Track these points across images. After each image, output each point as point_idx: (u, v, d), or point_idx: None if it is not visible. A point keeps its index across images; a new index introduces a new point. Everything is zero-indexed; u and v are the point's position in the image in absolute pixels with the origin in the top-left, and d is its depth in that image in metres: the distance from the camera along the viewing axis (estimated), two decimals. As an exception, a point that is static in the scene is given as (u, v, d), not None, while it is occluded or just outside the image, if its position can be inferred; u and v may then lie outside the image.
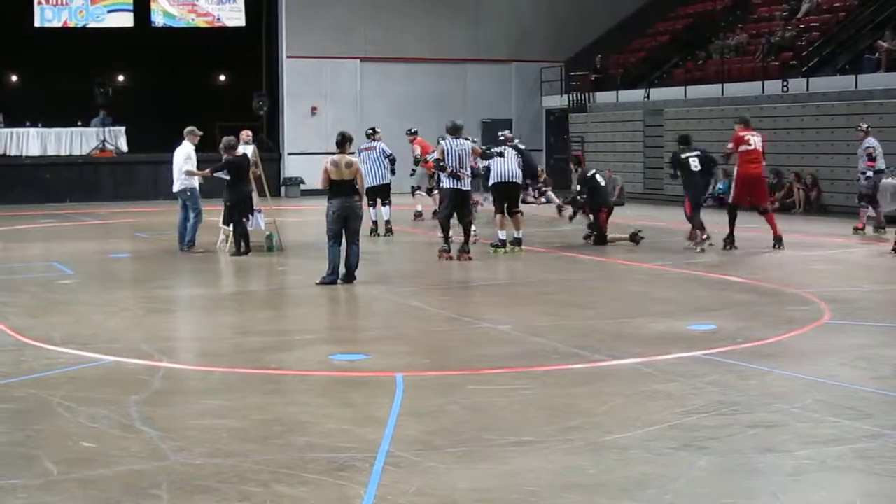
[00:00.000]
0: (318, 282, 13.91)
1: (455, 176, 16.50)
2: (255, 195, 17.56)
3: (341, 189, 13.94)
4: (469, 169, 16.82)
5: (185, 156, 17.67)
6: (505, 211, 17.57)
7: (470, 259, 16.30)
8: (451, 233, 16.84)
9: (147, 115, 33.34)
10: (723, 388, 8.39)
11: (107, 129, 31.90)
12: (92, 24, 32.55)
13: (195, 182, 17.67)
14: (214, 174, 17.45)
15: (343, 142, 14.33)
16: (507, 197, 17.63)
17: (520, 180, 18.08)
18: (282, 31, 33.76)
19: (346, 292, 13.67)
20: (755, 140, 17.77)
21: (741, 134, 17.66)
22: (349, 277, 14.01)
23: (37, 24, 32.03)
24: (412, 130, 22.97)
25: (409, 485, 6.15)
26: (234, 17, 33.59)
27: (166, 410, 7.88)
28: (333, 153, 14.38)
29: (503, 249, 17.43)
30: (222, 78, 39.45)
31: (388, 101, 33.28)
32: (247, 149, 17.89)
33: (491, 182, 17.89)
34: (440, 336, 10.96)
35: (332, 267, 13.92)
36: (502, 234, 17.55)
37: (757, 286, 13.83)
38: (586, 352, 9.80)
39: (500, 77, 35.39)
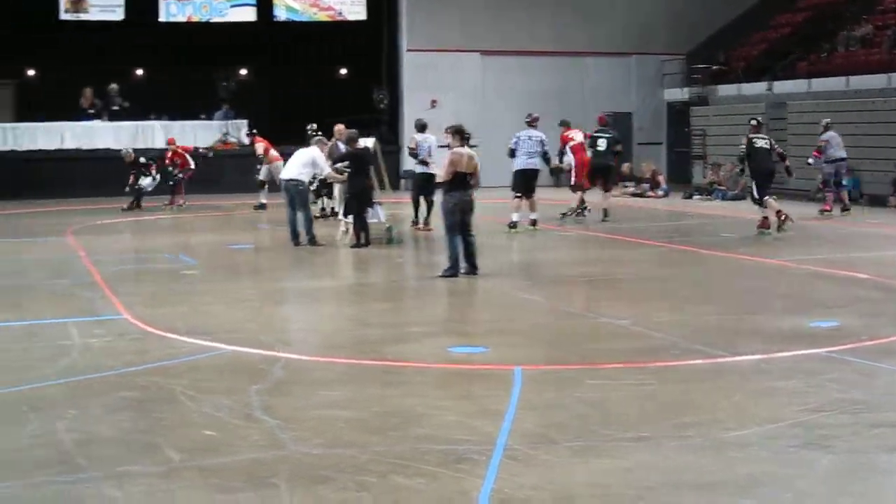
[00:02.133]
0: (439, 274, 13.93)
1: (423, 162, 19.72)
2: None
3: (462, 182, 13.96)
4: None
5: (311, 157, 17.83)
6: (524, 195, 19.85)
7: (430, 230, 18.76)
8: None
9: (268, 108, 33.76)
10: (846, 386, 8.22)
11: (229, 122, 32.39)
12: (216, 19, 33.03)
13: (306, 178, 17.82)
14: (335, 166, 17.62)
15: (464, 135, 14.32)
16: (526, 182, 19.84)
17: (538, 167, 20.19)
18: (402, 25, 33.87)
19: (465, 285, 13.66)
20: None
21: None
22: (473, 269, 14.01)
23: (161, 18, 32.62)
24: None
25: (526, 478, 6.13)
26: (356, 11, 33.79)
27: (286, 400, 7.96)
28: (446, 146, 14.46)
29: (514, 230, 19.40)
30: (343, 71, 39.73)
31: (508, 95, 33.16)
32: (367, 142, 18.01)
33: (514, 168, 19.99)
34: (559, 330, 10.91)
35: (452, 260, 13.92)
36: (515, 217, 19.59)
37: (882, 283, 13.52)
38: (706, 347, 9.67)
39: (621, 70, 35.05)
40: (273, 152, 24.53)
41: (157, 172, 25.22)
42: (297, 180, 17.72)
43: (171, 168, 25.56)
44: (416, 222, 19.99)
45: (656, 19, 34.72)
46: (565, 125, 22.25)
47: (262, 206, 24.49)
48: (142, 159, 25.20)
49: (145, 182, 24.91)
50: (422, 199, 20.07)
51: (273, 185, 23.88)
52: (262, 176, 24.71)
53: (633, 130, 33.96)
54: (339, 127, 19.06)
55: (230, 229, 21.10)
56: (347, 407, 7.72)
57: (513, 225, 19.60)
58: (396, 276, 15.50)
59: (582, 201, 21.89)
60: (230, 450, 6.70)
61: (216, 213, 24.47)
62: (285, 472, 6.23)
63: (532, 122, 20.57)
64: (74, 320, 11.20)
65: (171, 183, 25.49)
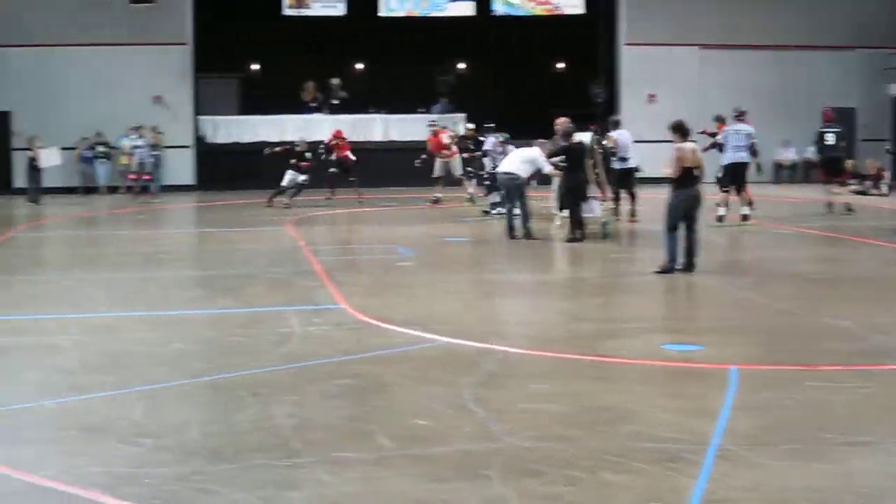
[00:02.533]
0: (656, 270, 13.79)
1: (622, 158, 20.22)
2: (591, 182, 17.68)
3: (690, 177, 13.80)
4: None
5: (532, 155, 17.94)
6: (734, 189, 20.10)
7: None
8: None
9: (486, 102, 33.98)
10: None
11: (447, 115, 32.75)
12: (434, 14, 33.41)
13: (524, 174, 17.87)
14: (550, 160, 17.65)
15: (685, 130, 14.14)
16: (735, 176, 20.11)
17: (747, 161, 20.31)
18: (620, 19, 33.64)
19: (680, 281, 13.48)
20: None
21: None
22: (690, 266, 13.83)
23: (382, 13, 33.18)
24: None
25: (740, 479, 6.01)
26: (573, 4, 33.69)
27: (498, 393, 7.99)
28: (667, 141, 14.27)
29: (721, 224, 19.53)
30: (560, 66, 39.68)
31: (727, 90, 32.49)
32: (583, 136, 17.99)
33: (723, 162, 20.37)
34: (777, 329, 10.64)
35: (672, 255, 13.76)
36: (721, 211, 19.80)
37: None
38: (933, 351, 9.31)
39: (843, 64, 33.93)
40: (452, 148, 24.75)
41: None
42: (514, 174, 17.83)
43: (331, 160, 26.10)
44: (617, 217, 20.21)
45: (880, 12, 33.56)
46: (721, 121, 22.19)
47: (436, 201, 24.90)
48: (307, 154, 25.43)
49: (302, 177, 25.04)
50: (623, 193, 20.61)
51: (447, 179, 24.38)
52: (436, 172, 24.95)
53: (856, 127, 32.90)
54: (561, 120, 19.05)
55: (444, 222, 21.29)
56: (559, 401, 7.71)
57: (720, 219, 19.61)
58: (611, 271, 15.38)
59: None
60: (442, 440, 6.77)
61: (427, 206, 24.70)
62: (496, 464, 6.26)
63: (740, 116, 20.64)
64: (294, 308, 11.50)
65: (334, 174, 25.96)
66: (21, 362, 9.15)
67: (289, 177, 24.79)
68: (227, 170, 31.52)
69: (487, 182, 22.46)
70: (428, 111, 33.35)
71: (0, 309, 12.00)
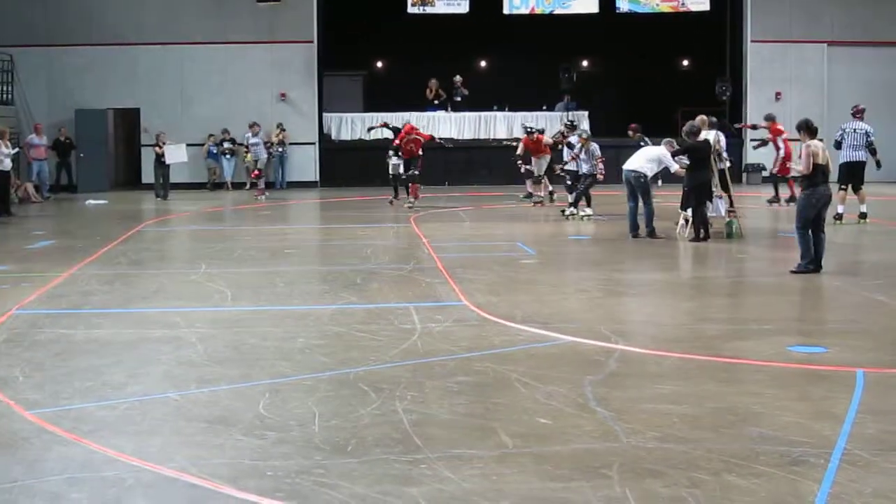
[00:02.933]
0: (793, 270, 13.62)
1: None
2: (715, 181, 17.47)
3: (822, 176, 13.63)
4: None
5: (658, 154, 17.84)
6: (851, 188, 20.09)
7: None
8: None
9: (609, 99, 33.81)
10: None
11: (570, 113, 32.67)
12: (558, 11, 33.34)
13: (649, 172, 17.74)
14: (674, 158, 17.51)
15: (812, 128, 13.96)
16: (852, 175, 20.15)
17: (864, 159, 20.32)
18: (746, 15, 33.21)
19: (807, 282, 13.23)
20: None
21: None
22: (817, 266, 13.63)
23: (506, 11, 33.22)
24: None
25: (866, 485, 5.87)
26: (699, 1, 33.37)
27: (620, 392, 7.93)
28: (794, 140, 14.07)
29: (840, 223, 19.44)
30: (685, 63, 39.28)
31: (857, 87, 31.91)
32: (708, 134, 17.79)
33: (840, 160, 20.13)
34: (907, 332, 10.41)
35: (807, 255, 13.59)
36: (840, 209, 19.66)
37: None
38: None
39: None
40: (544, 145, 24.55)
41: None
42: (639, 172, 17.73)
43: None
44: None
45: None
46: (771, 119, 21.94)
47: (529, 197, 24.90)
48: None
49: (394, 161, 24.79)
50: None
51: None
52: (537, 171, 24.76)
53: None
54: (702, 118, 18.85)
55: (570, 220, 21.19)
56: (682, 402, 7.62)
57: (838, 217, 19.41)
58: (736, 271, 15.18)
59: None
60: (563, 438, 6.74)
61: (556, 203, 24.63)
62: (617, 464, 6.21)
63: (858, 114, 20.44)
64: (416, 305, 11.56)
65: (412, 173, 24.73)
66: (149, 355, 9.33)
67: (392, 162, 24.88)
68: (351, 166, 31.84)
69: (570, 182, 22.07)
70: (551, 109, 33.28)
71: (128, 302, 12.26)
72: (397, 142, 24.64)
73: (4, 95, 31.69)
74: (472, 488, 5.87)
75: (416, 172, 24.57)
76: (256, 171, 28.65)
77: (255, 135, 29.34)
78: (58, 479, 6.10)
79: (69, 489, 5.95)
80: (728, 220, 17.75)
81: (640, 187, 17.70)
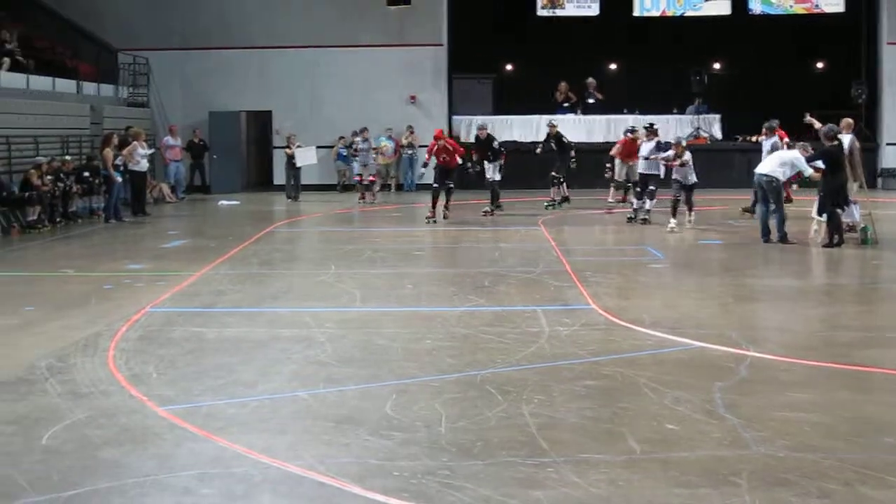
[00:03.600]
0: None
1: None
2: (851, 186, 17.12)
3: None
4: None
5: (791, 158, 17.57)
6: None
7: None
8: None
9: (741, 102, 33.33)
10: None
11: (701, 116, 32.30)
12: (689, 13, 33.01)
13: (781, 176, 17.43)
14: (809, 164, 17.20)
15: None
16: None
17: None
18: (882, 17, 32.45)
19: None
20: None
21: None
22: None
23: (636, 13, 32.99)
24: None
25: None
26: (833, 3, 32.72)
27: (750, 399, 7.81)
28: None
29: None
30: (819, 65, 38.57)
31: None
32: (844, 138, 17.44)
33: None
34: None
35: None
36: None
37: None
38: None
39: None
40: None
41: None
42: (770, 176, 17.44)
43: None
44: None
45: None
46: (771, 130, 21.30)
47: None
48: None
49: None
50: None
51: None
52: (621, 176, 24.36)
53: None
54: (847, 121, 18.48)
55: (698, 225, 20.93)
56: (814, 410, 7.48)
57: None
58: (871, 278, 14.86)
59: None
60: (691, 445, 6.66)
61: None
62: (746, 472, 6.12)
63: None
64: (544, 308, 11.53)
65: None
66: (279, 354, 9.46)
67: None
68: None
69: (640, 189, 21.47)
70: (682, 112, 32.95)
71: (259, 302, 12.44)
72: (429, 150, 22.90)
73: (140, 98, 32.41)
74: (599, 493, 5.83)
75: (451, 185, 22.55)
76: (359, 176, 28.27)
77: (364, 140, 29.40)
78: (188, 475, 6.21)
79: (199, 484, 6.05)
80: (863, 225, 17.36)
81: (772, 192, 17.41)
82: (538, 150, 25.61)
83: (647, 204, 21.03)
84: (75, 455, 6.58)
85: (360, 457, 6.47)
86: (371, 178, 27.78)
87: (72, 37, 30.67)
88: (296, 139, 29.22)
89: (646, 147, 21.74)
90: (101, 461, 6.46)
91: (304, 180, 29.25)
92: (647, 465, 6.30)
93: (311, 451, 6.59)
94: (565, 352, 9.42)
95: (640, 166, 21.81)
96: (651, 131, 22.27)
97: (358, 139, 28.23)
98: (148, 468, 6.32)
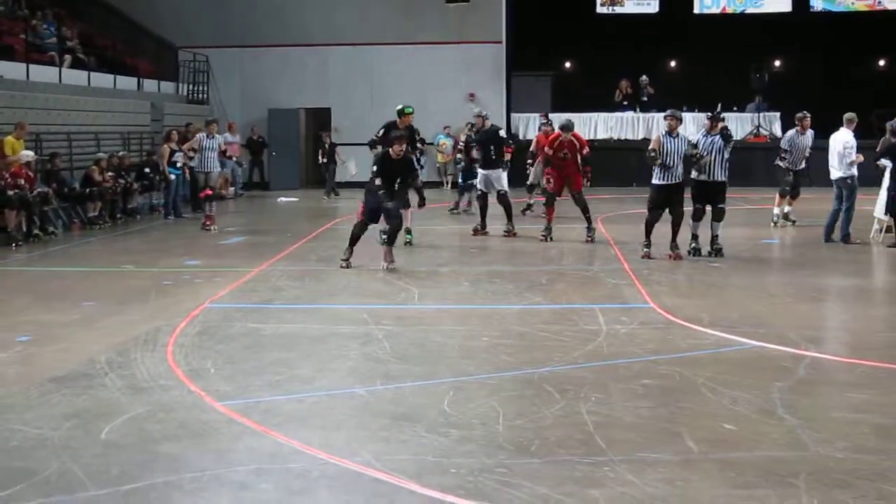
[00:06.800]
0: None
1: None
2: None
3: None
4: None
5: (843, 143, 17.23)
6: None
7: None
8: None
9: (802, 100, 33.03)
10: None
11: (761, 114, 32.06)
12: (750, 10, 32.80)
13: (855, 170, 17.16)
14: (877, 162, 16.95)
15: None
16: None
17: None
18: (948, 13, 32.09)
19: None
20: None
21: None
22: None
23: (696, 10, 32.83)
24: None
25: None
26: (896, 0, 32.42)
27: (809, 400, 7.75)
28: None
29: None
30: (881, 63, 38.15)
31: None
32: (903, 136, 17.23)
33: None
34: None
35: None
36: None
37: None
38: None
39: None
40: None
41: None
42: (846, 174, 17.15)
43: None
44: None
45: None
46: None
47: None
48: None
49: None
50: None
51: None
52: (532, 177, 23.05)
53: None
54: None
55: (760, 223, 20.77)
56: (874, 411, 7.40)
57: None
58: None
59: None
60: (749, 445, 6.62)
61: (747, 206, 24.20)
62: (804, 473, 6.07)
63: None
64: (602, 306, 11.50)
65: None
66: (337, 350, 9.49)
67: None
68: (541, 166, 31.81)
69: None
70: (742, 110, 32.73)
71: (317, 298, 12.50)
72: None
73: (200, 95, 32.66)
74: (656, 493, 5.81)
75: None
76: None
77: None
78: (246, 469, 6.25)
79: (257, 479, 6.09)
80: (927, 225, 17.14)
81: (846, 188, 17.13)
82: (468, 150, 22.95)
83: None
84: (134, 449, 6.64)
85: (416, 454, 6.48)
86: None
87: (132, 35, 30.96)
88: (341, 153, 29.14)
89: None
90: (159, 455, 6.51)
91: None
92: (704, 465, 6.26)
93: (367, 447, 6.61)
94: (623, 350, 9.39)
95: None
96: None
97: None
98: (206, 463, 6.37)
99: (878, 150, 17.38)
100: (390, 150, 14.88)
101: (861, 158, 17.02)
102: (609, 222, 20.78)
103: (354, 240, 15.06)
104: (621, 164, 29.80)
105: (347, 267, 14.72)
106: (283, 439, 6.77)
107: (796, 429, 6.96)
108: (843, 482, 5.94)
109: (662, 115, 16.71)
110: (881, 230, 17.21)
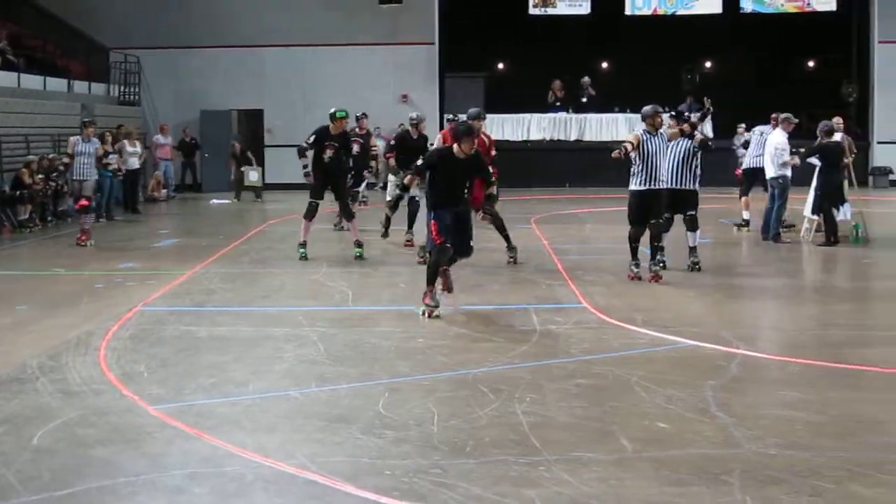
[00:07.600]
0: None
1: None
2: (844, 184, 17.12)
3: None
4: None
5: (774, 145, 17.43)
6: None
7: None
8: None
9: (732, 101, 33.35)
10: None
11: (693, 114, 32.29)
12: (681, 12, 33.06)
13: (788, 171, 17.36)
14: (807, 160, 17.13)
15: None
16: None
17: None
18: (874, 15, 32.51)
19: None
20: None
21: None
22: None
23: (628, 12, 33.04)
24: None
25: None
26: (825, 1, 32.76)
27: (742, 398, 7.82)
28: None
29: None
30: (810, 64, 38.64)
31: None
32: (837, 137, 17.44)
33: None
34: None
35: None
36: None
37: None
38: None
39: None
40: None
41: None
42: (778, 174, 17.31)
43: None
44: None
45: None
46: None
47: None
48: None
49: None
50: None
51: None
52: None
53: None
54: (837, 119, 18.48)
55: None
56: (805, 409, 7.48)
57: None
58: (863, 277, 14.88)
59: None
60: (683, 443, 6.66)
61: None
62: (738, 471, 6.12)
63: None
64: (536, 307, 11.53)
65: None
66: (271, 352, 9.45)
67: None
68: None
69: None
70: (673, 110, 32.99)
71: (251, 300, 12.43)
72: None
73: (131, 96, 32.39)
74: (591, 492, 5.83)
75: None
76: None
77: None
78: (180, 473, 6.20)
79: (191, 483, 6.05)
80: (854, 224, 17.35)
81: (778, 187, 17.29)
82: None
83: None
84: (67, 454, 6.56)
85: (352, 455, 6.46)
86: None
87: (63, 36, 30.61)
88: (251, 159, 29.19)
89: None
90: (92, 460, 6.44)
91: (296, 179, 29.11)
92: (638, 463, 6.29)
93: (303, 449, 6.58)
94: (557, 350, 9.42)
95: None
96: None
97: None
98: (140, 467, 6.30)
99: (805, 150, 17.56)
100: (455, 147, 11.52)
101: (797, 161, 17.20)
102: (542, 223, 20.83)
103: (436, 275, 11.37)
104: (555, 164, 29.94)
105: (437, 317, 11.02)
106: (218, 443, 6.73)
107: (729, 426, 7.02)
108: (776, 479, 5.99)
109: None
110: (811, 229, 17.42)
